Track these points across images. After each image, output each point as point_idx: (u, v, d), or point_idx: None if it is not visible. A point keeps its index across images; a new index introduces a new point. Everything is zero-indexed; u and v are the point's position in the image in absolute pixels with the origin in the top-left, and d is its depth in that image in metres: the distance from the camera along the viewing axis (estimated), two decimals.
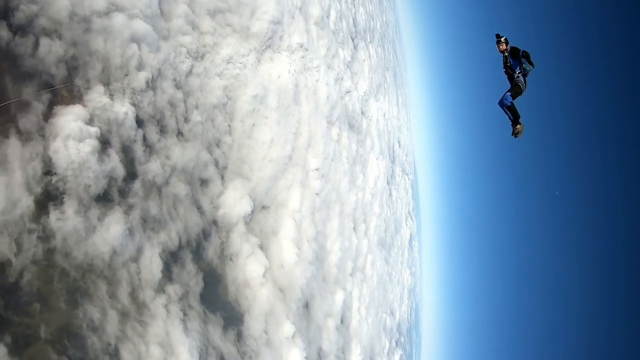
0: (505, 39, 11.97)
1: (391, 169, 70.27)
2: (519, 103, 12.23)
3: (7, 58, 16.42)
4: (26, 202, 15.78)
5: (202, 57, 25.82)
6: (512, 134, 12.38)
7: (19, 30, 16.78)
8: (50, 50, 17.56)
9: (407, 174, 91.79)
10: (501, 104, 12.17)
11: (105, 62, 19.58)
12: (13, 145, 15.82)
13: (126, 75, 20.56)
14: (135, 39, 20.94)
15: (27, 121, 16.48)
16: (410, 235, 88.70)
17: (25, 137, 16.29)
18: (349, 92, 49.53)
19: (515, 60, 11.92)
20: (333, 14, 47.33)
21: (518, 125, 11.99)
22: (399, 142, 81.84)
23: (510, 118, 12.32)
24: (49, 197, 16.70)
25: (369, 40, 64.50)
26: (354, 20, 56.93)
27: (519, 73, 11.89)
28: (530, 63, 11.61)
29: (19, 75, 16.70)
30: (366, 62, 59.65)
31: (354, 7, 58.13)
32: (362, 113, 53.74)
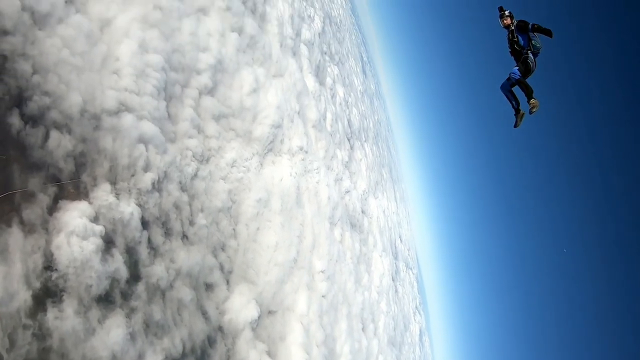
0: (510, 13, 10.47)
1: (395, 265, 69.39)
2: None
3: (17, 146, 16.47)
4: (24, 296, 15.23)
5: (207, 160, 26.11)
6: (515, 126, 11.04)
7: (31, 120, 17.00)
8: (60, 144, 17.72)
9: (411, 269, 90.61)
10: (504, 87, 10.98)
11: (113, 160, 19.73)
12: (15, 235, 15.49)
13: (133, 175, 20.64)
14: (143, 140, 21.24)
15: (32, 212, 16.25)
16: (420, 331, 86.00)
17: (28, 229, 15.97)
18: (348, 191, 49.86)
19: (523, 36, 10.44)
20: (329, 116, 48.75)
21: (533, 100, 10.35)
22: (400, 237, 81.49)
23: (513, 106, 10.99)
24: (48, 294, 16.14)
25: (364, 139, 66.09)
26: (349, 121, 58.66)
27: (527, 50, 10.46)
28: (547, 32, 9.97)
29: (27, 165, 16.69)
30: (363, 161, 60.65)
31: (348, 108, 60.12)
32: (363, 212, 53.81)
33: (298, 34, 43.48)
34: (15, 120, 16.49)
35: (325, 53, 54.86)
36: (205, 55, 26.66)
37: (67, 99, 18.14)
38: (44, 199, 16.85)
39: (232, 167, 27.94)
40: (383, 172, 78.67)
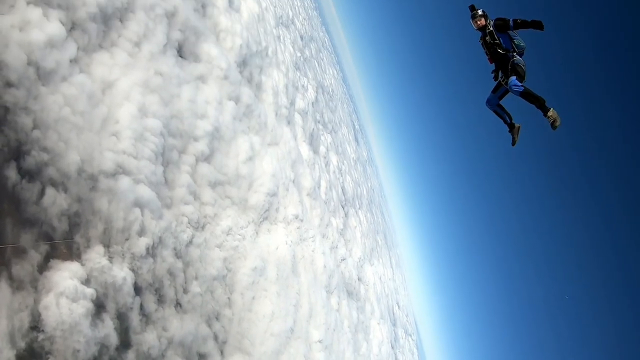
0: (484, 12, 9.23)
1: (394, 332, 67.91)
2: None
3: (12, 200, 16.20)
4: (7, 355, 14.57)
5: (203, 227, 25.82)
6: (512, 144, 9.71)
7: (27, 175, 16.77)
8: (55, 202, 17.40)
9: (410, 335, 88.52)
10: (490, 102, 9.77)
11: (108, 223, 19.36)
12: (3, 290, 15.04)
13: (127, 239, 20.22)
14: (139, 204, 20.95)
15: (21, 269, 15.79)
16: None
17: (16, 285, 15.52)
18: (344, 259, 49.31)
19: (504, 36, 9.13)
20: (323, 184, 48.99)
21: (550, 112, 8.63)
22: (397, 303, 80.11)
23: (505, 122, 9.72)
24: (32, 355, 15.43)
25: (358, 206, 66.20)
26: (343, 188, 58.94)
27: (512, 52, 9.12)
28: (536, 25, 8.56)
29: (20, 220, 16.34)
30: (357, 228, 60.40)
31: (342, 176, 60.65)
32: (359, 279, 53.09)
33: (292, 103, 44.46)
34: (12, 174, 16.32)
35: (319, 122, 55.95)
36: (202, 122, 26.94)
37: (65, 157, 18.01)
38: (35, 256, 16.42)
39: (227, 234, 27.61)
40: (378, 239, 78.34)
